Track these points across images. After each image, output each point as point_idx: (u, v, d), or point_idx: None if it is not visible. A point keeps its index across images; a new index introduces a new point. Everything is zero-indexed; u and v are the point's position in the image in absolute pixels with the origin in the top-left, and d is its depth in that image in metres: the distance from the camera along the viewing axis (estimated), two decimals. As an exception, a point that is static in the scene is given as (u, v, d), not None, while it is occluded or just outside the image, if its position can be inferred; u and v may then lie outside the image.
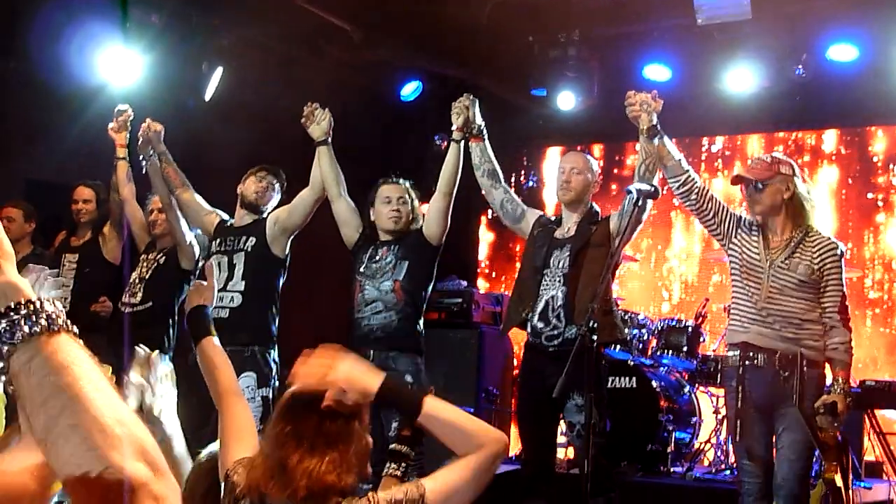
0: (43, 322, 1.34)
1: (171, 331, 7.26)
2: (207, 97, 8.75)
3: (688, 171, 5.74)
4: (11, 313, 1.34)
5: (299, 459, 2.84)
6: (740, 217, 5.69)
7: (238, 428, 3.18)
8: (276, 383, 6.48)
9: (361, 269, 6.59)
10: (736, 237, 5.61)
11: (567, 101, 9.80)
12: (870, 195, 10.09)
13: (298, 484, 2.83)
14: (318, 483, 2.83)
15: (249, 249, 6.75)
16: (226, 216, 7.07)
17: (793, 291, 5.39)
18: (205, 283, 3.69)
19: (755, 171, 5.56)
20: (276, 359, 6.60)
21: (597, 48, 9.77)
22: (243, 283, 6.66)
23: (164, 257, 7.37)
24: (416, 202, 6.86)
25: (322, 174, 6.82)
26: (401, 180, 6.86)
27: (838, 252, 5.40)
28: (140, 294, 7.28)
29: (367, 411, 3.02)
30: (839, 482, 5.08)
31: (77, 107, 8.00)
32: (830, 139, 10.35)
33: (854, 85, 9.23)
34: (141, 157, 7.06)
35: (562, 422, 6.26)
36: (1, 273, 1.37)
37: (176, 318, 7.27)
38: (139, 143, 7.04)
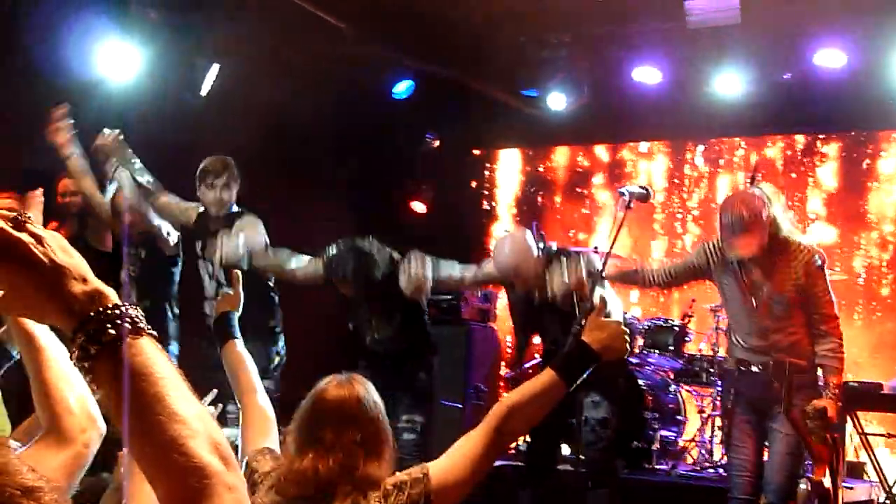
0: (127, 325, 1.46)
1: (171, 323, 7.33)
2: (203, 93, 8.82)
3: (650, 278, 5.88)
4: (99, 317, 1.46)
5: (366, 464, 3.11)
6: (709, 257, 5.72)
7: (258, 422, 3.47)
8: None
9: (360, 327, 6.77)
10: (716, 277, 5.71)
11: (558, 101, 9.89)
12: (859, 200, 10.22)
13: (363, 483, 3.09)
14: (370, 481, 3.06)
15: None
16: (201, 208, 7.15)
17: (782, 313, 5.50)
18: (231, 291, 3.96)
19: (745, 243, 5.44)
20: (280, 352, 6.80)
21: (588, 49, 9.86)
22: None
23: (144, 251, 7.40)
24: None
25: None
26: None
27: (818, 261, 5.47)
28: (134, 294, 7.31)
29: None
30: (827, 483, 5.18)
31: (75, 100, 8.06)
32: (817, 143, 10.47)
33: (841, 90, 9.34)
34: (110, 176, 7.11)
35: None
36: (88, 281, 1.50)
37: (175, 309, 7.36)
38: (99, 156, 7.10)
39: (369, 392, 3.26)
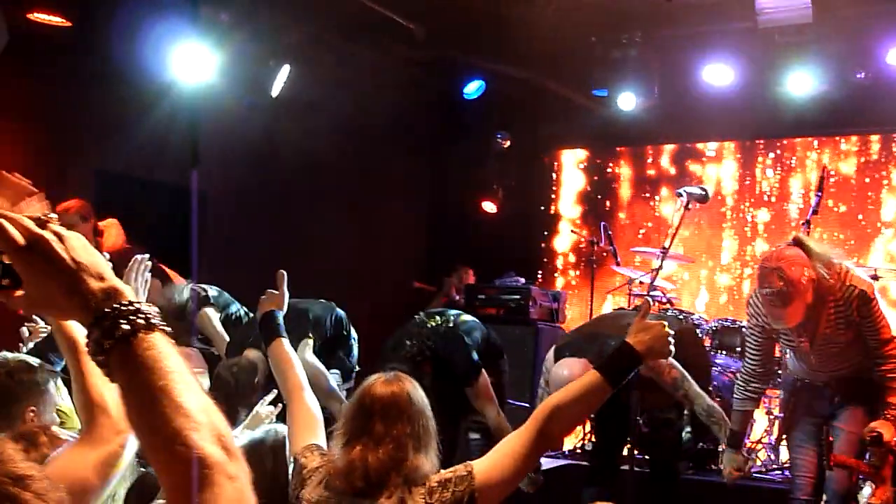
0: (140, 321, 1.54)
1: None
2: (274, 94, 8.95)
3: (754, 397, 5.77)
4: (114, 313, 1.54)
5: (415, 456, 3.20)
6: (764, 323, 5.58)
7: (305, 419, 3.54)
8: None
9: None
10: (776, 335, 5.60)
11: (628, 101, 9.89)
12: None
13: (407, 476, 3.18)
14: (417, 476, 3.17)
15: None
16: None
17: (838, 351, 5.43)
18: (276, 291, 3.96)
19: (786, 314, 5.30)
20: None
21: (658, 49, 9.85)
22: None
23: None
24: None
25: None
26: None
27: (866, 294, 5.32)
28: None
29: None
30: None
31: (148, 102, 8.23)
32: (893, 145, 10.34)
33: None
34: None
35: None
36: (105, 279, 1.58)
37: None
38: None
39: (416, 388, 3.33)
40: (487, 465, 3.22)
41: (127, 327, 1.53)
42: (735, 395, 5.70)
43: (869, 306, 5.31)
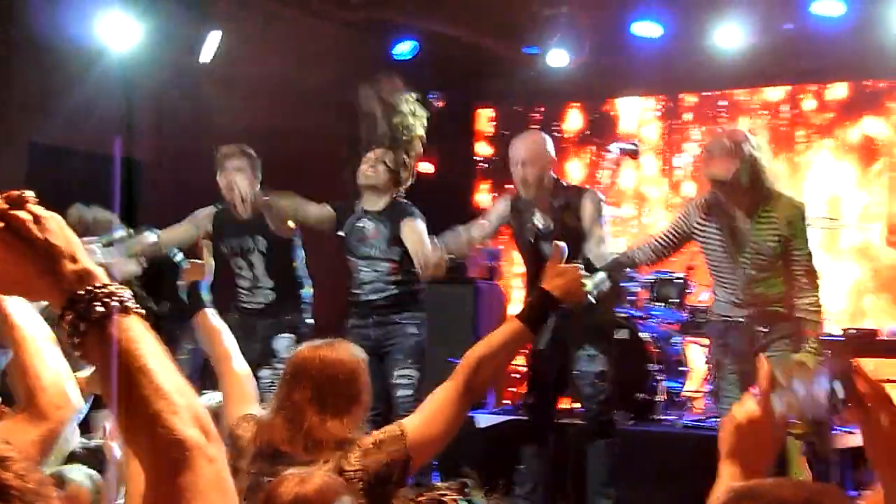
0: (115, 304, 1.55)
1: None
2: (205, 60, 8.88)
3: (639, 260, 5.92)
4: (88, 295, 1.55)
5: (321, 421, 3.22)
6: (689, 213, 5.78)
7: (237, 390, 3.57)
8: None
9: (353, 252, 6.81)
10: (700, 233, 5.76)
11: (559, 58, 9.93)
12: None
13: (319, 440, 3.20)
14: (335, 439, 3.14)
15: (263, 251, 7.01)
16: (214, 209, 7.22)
17: (765, 264, 5.56)
18: (200, 261, 3.95)
19: (722, 165, 5.59)
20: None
21: (588, 6, 9.88)
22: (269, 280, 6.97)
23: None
24: (403, 170, 6.93)
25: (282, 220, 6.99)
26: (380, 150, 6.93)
27: (801, 214, 5.52)
28: None
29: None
30: (807, 433, 5.24)
31: (76, 71, 8.13)
32: (819, 93, 10.46)
33: (842, 40, 9.33)
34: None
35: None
36: (77, 261, 1.59)
37: None
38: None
39: (341, 354, 3.35)
40: (418, 423, 3.27)
41: (101, 309, 1.53)
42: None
43: (802, 225, 5.51)
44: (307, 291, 7.21)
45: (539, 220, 6.59)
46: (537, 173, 6.44)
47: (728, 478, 2.16)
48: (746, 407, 2.24)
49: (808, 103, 10.48)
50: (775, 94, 10.65)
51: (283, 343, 6.57)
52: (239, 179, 6.90)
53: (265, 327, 6.89)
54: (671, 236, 6.00)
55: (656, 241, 6.11)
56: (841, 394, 1.99)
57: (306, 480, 2.71)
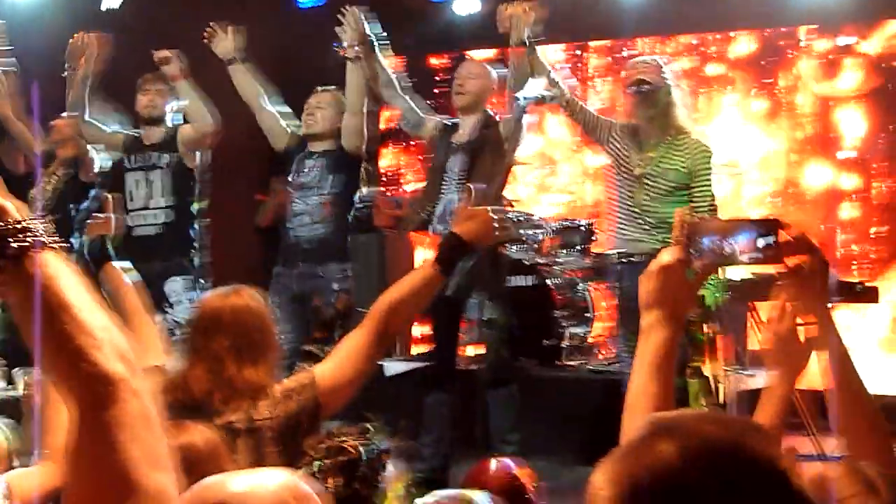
0: (30, 240, 1.51)
1: None
2: (105, 7, 8.73)
3: (561, 90, 5.98)
4: (2, 232, 1.51)
5: (238, 370, 3.22)
6: (612, 124, 5.94)
7: (147, 341, 3.54)
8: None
9: (290, 180, 6.82)
10: (610, 145, 5.87)
11: (466, 6, 9.91)
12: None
13: (237, 390, 3.20)
14: (251, 388, 3.15)
15: (165, 166, 6.93)
16: (134, 132, 7.19)
17: (665, 196, 5.67)
18: (103, 215, 3.95)
19: (650, 74, 5.79)
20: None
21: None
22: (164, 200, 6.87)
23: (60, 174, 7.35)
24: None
25: (240, 93, 6.95)
26: (325, 88, 6.99)
27: (709, 155, 5.66)
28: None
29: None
30: (706, 372, 5.38)
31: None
32: (724, 43, 10.58)
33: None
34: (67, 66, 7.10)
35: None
36: None
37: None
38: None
39: (248, 302, 3.36)
40: (329, 370, 3.29)
41: (16, 246, 1.49)
42: None
43: (708, 165, 5.63)
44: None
45: (457, 139, 6.66)
46: (478, 84, 6.69)
47: (652, 322, 2.30)
48: (663, 258, 2.33)
49: (713, 52, 10.59)
50: (680, 44, 10.74)
51: (175, 286, 6.57)
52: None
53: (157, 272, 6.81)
54: (593, 117, 6.11)
55: (584, 110, 6.22)
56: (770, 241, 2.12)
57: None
